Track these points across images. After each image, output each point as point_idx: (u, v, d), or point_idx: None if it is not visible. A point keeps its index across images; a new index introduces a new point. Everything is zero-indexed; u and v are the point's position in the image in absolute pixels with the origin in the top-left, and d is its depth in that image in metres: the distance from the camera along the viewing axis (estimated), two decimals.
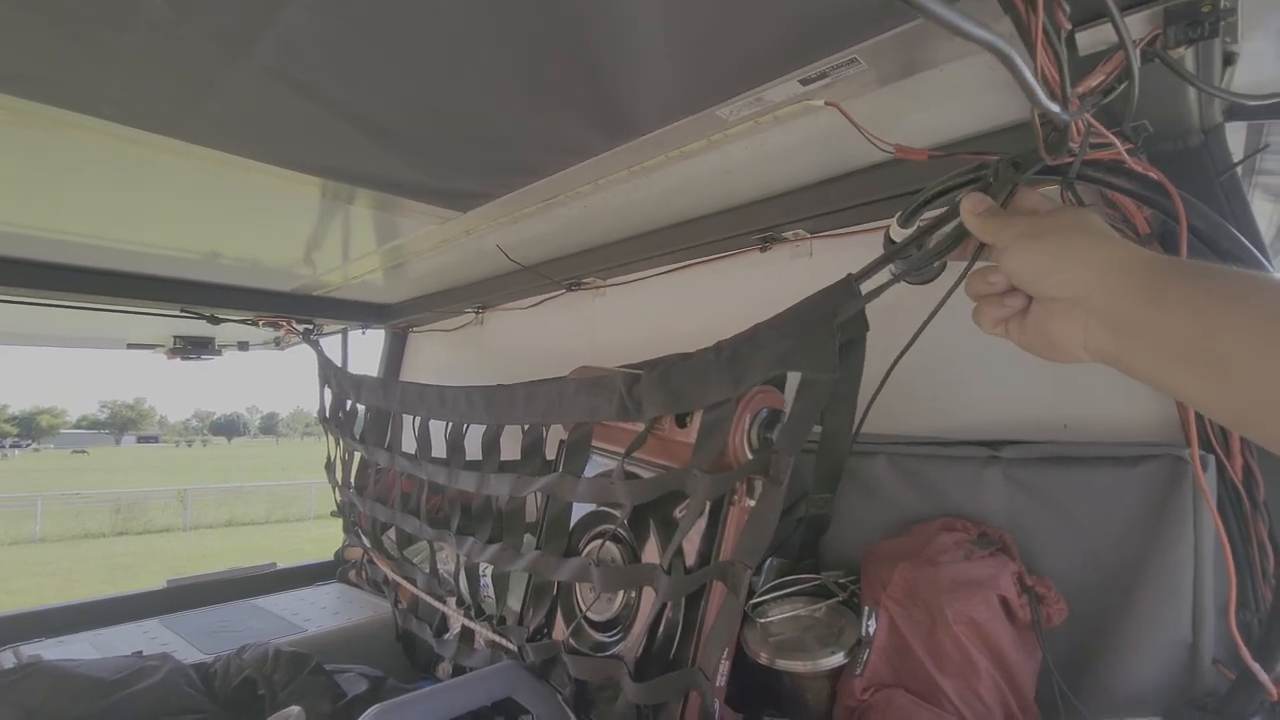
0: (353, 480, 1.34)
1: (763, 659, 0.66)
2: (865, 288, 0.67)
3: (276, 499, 15.83)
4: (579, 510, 0.84)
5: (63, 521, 13.03)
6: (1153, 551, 0.60)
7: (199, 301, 1.45)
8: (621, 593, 0.74)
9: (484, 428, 0.97)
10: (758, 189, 0.91)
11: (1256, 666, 0.54)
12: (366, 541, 1.31)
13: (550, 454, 0.89)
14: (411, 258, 1.28)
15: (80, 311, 1.56)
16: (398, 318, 1.70)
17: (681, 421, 0.71)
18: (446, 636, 1.12)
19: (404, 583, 1.22)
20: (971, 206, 0.51)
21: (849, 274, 0.66)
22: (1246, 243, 0.49)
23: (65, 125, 0.68)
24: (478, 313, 1.54)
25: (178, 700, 0.87)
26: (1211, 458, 0.59)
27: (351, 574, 1.61)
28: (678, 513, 0.70)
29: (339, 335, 1.89)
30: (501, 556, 0.88)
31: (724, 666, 0.66)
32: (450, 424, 1.05)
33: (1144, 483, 0.61)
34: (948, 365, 0.81)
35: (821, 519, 0.73)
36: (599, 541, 0.78)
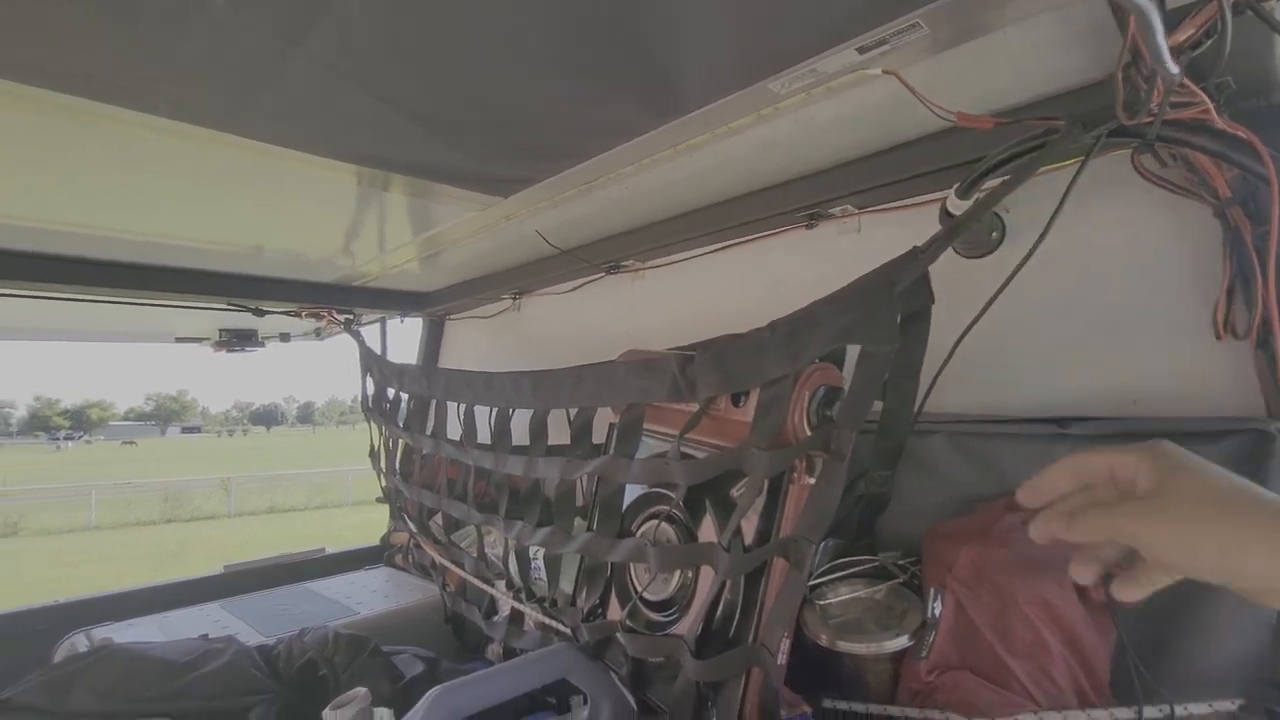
0: (397, 467, 1.36)
1: (823, 641, 0.65)
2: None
3: (315, 485, 16.28)
4: (631, 494, 0.84)
5: (115, 510, 13.61)
6: None
7: (244, 294, 1.48)
8: (678, 573, 0.74)
9: (530, 413, 0.97)
10: (805, 164, 0.89)
11: None
12: (413, 526, 1.34)
13: (599, 437, 0.89)
14: (449, 245, 1.28)
15: (131, 307, 1.61)
16: (435, 305, 1.71)
17: (737, 400, 0.71)
18: (496, 619, 1.14)
19: (452, 566, 1.24)
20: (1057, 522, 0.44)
21: (914, 246, 0.64)
22: None
23: (122, 123, 0.69)
24: (515, 298, 1.54)
25: (244, 681, 0.90)
26: None
27: (398, 558, 1.65)
28: (734, 492, 0.70)
29: (378, 325, 1.93)
30: (553, 539, 0.89)
31: (785, 645, 0.65)
32: (496, 410, 1.05)
33: (1227, 457, 0.58)
34: (1006, 341, 0.79)
35: (881, 498, 0.72)
36: (654, 523, 0.78)
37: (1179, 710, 0.55)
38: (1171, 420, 0.62)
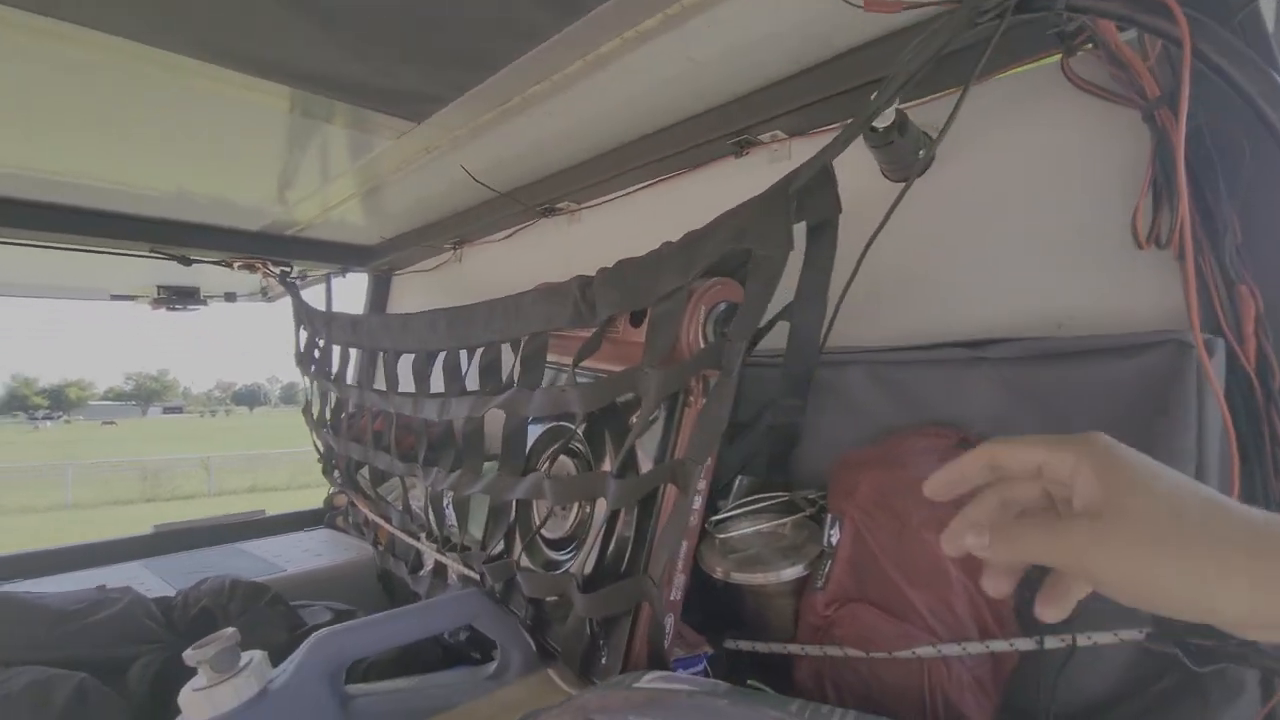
0: (328, 421, 1.30)
1: (718, 574, 0.61)
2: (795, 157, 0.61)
3: (299, 464, 16.12)
4: (539, 431, 0.80)
5: (93, 489, 13.43)
6: (1152, 450, 0.54)
7: (170, 241, 1.40)
8: (575, 508, 0.70)
9: (446, 355, 0.92)
10: (728, 86, 0.83)
11: None
12: (341, 481, 1.29)
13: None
14: (381, 186, 1.22)
15: (62, 258, 1.53)
16: (378, 259, 1.65)
17: (637, 322, 0.66)
18: (421, 573, 1.09)
19: (380, 521, 1.19)
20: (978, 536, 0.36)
21: (820, 150, 0.60)
22: (1273, 73, 0.41)
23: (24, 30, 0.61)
24: (455, 248, 1.48)
25: (137, 630, 0.85)
26: (1220, 342, 0.52)
27: (339, 520, 1.60)
28: (634, 420, 0.65)
29: (324, 284, 1.86)
30: (461, 482, 0.84)
31: (679, 580, 0.61)
32: (415, 355, 1.00)
33: (1144, 375, 0.54)
34: (931, 267, 0.75)
35: (790, 429, 0.68)
36: (560, 458, 0.74)
37: (1082, 640, 0.52)
38: (1090, 339, 0.58)
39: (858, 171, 0.81)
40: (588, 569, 0.63)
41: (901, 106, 0.69)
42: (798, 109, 0.80)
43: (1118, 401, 0.56)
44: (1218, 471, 0.51)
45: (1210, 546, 0.30)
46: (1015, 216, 0.70)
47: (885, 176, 0.79)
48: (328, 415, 1.31)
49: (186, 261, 1.46)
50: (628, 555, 0.61)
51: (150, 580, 1.19)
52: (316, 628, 0.87)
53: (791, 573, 0.59)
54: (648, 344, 0.60)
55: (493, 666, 0.81)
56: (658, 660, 0.58)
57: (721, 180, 0.97)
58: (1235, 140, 0.53)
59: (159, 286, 1.86)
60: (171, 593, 1.10)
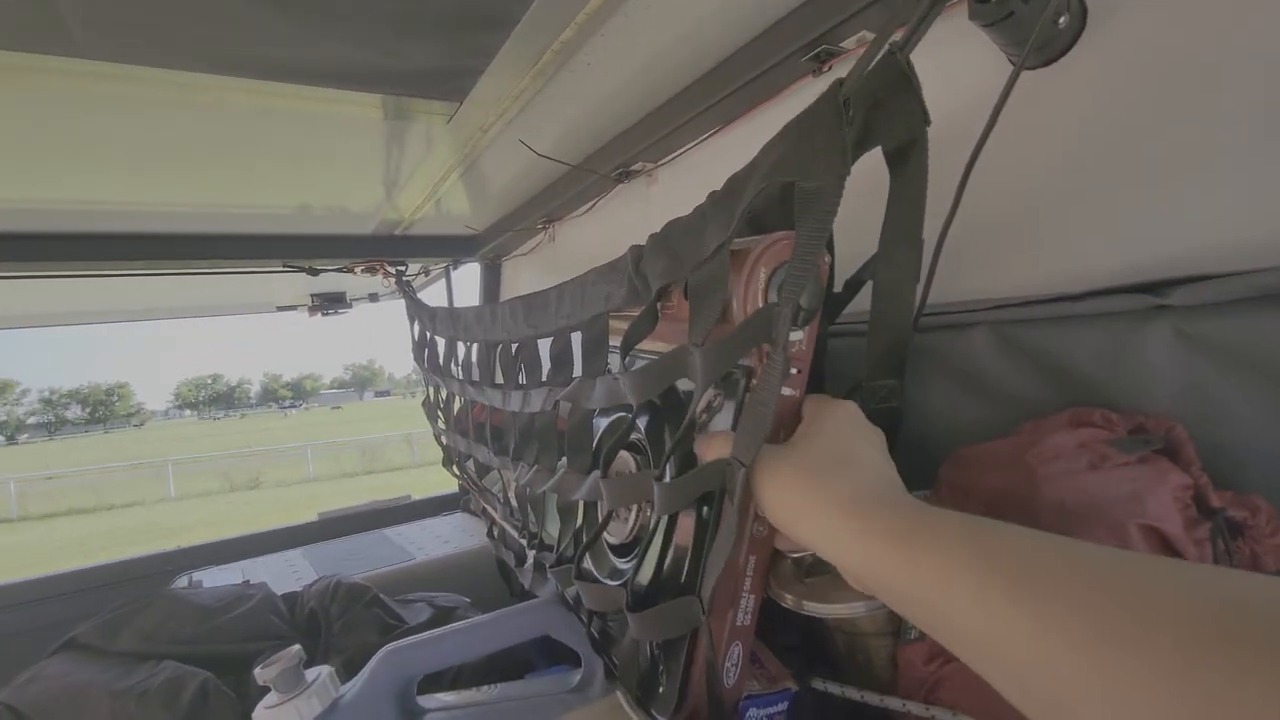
0: (439, 412, 1.33)
1: (787, 601, 0.49)
2: (922, 64, 0.44)
3: None
4: (606, 424, 0.71)
5: (327, 464, 16.01)
6: None
7: (296, 255, 1.51)
8: (634, 510, 0.61)
9: (524, 345, 0.87)
10: None
11: None
12: (457, 472, 1.31)
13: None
14: (460, 174, 1.19)
15: (231, 281, 1.72)
16: (484, 247, 1.65)
17: (689, 292, 0.54)
18: (525, 566, 1.08)
19: (491, 511, 1.19)
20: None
21: (891, 42, 0.44)
22: None
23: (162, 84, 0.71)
24: (544, 228, 1.43)
25: (263, 626, 0.91)
26: None
27: (472, 505, 1.66)
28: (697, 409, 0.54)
29: (443, 280, 1.92)
30: (536, 478, 0.79)
31: (747, 601, 0.50)
32: (501, 345, 0.96)
33: None
34: (1086, 181, 0.53)
35: (888, 415, 0.52)
36: (623, 454, 0.65)
37: None
38: None
39: (970, 65, 0.62)
40: (642, 582, 0.54)
41: None
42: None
43: None
44: None
45: (824, 499, 0.36)
46: (1210, 92, 0.47)
47: (1012, 63, 0.59)
48: (439, 407, 1.34)
49: (314, 272, 1.56)
50: (685, 570, 0.51)
51: (303, 568, 1.30)
52: (411, 630, 0.88)
53: (874, 606, 0.45)
54: (691, 317, 0.48)
55: (577, 677, 0.76)
56: (716, 695, 0.48)
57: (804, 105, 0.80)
58: None
59: (312, 295, 2.04)
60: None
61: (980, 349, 0.54)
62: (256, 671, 0.61)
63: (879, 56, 0.41)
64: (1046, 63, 0.56)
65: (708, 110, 0.87)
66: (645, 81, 0.86)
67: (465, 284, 2.06)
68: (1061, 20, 0.53)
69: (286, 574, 1.26)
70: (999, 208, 0.58)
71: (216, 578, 1.28)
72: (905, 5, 0.44)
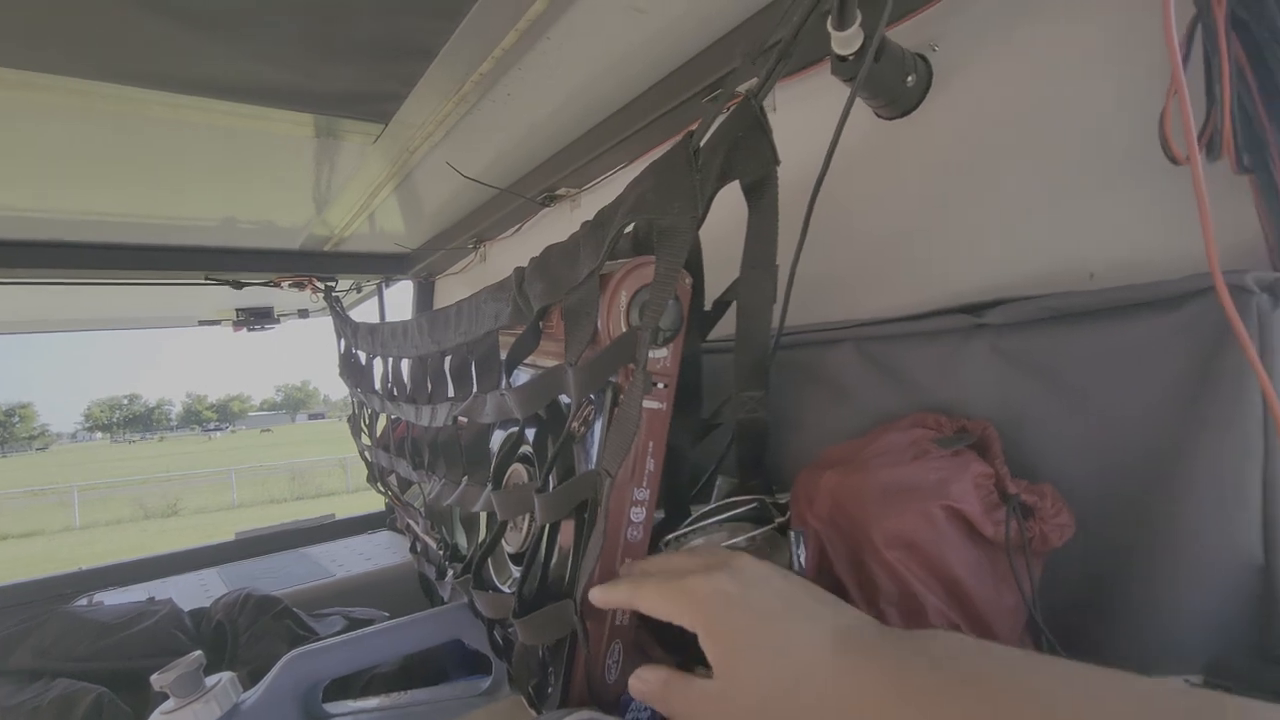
0: (363, 428, 1.33)
1: None
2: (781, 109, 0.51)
3: None
4: (500, 438, 0.75)
5: (253, 490, 15.21)
6: (1203, 435, 0.41)
7: (220, 268, 1.49)
8: (525, 520, 0.64)
9: (431, 360, 0.90)
10: (687, 39, 0.74)
11: None
12: (380, 487, 1.31)
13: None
14: (389, 193, 1.22)
15: (150, 293, 1.67)
16: (417, 264, 1.67)
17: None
18: (446, 579, 1.09)
19: (413, 525, 1.20)
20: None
21: (746, 92, 0.51)
22: None
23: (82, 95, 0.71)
24: (476, 247, 1.46)
25: (166, 642, 0.90)
26: None
27: (398, 522, 1.65)
28: (574, 423, 0.59)
29: (374, 297, 1.92)
30: (443, 492, 0.81)
31: None
32: (412, 361, 0.99)
33: (1188, 332, 0.41)
34: (934, 224, 0.62)
35: (755, 425, 0.58)
36: (516, 466, 0.68)
37: None
38: (1115, 291, 0.44)
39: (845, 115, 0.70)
40: (529, 589, 0.57)
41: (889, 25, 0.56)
42: (770, 47, 0.69)
43: (1151, 370, 0.42)
44: None
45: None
46: (1029, 144, 0.55)
47: (879, 117, 0.67)
48: (364, 422, 1.34)
49: (238, 285, 1.54)
50: (567, 575, 0.55)
51: (216, 587, 1.26)
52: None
53: None
54: (567, 338, 0.53)
55: (487, 682, 0.78)
56: (598, 693, 0.51)
57: None
58: None
59: (237, 309, 1.99)
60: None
61: (847, 363, 0.61)
62: (154, 677, 0.61)
63: (735, 105, 0.48)
64: (904, 113, 0.64)
65: (625, 140, 0.93)
66: (567, 112, 0.92)
67: (400, 302, 2.06)
68: (910, 79, 0.61)
69: (198, 592, 1.22)
70: (865, 241, 0.65)
71: (120, 598, 1.23)
72: (761, 60, 0.51)
